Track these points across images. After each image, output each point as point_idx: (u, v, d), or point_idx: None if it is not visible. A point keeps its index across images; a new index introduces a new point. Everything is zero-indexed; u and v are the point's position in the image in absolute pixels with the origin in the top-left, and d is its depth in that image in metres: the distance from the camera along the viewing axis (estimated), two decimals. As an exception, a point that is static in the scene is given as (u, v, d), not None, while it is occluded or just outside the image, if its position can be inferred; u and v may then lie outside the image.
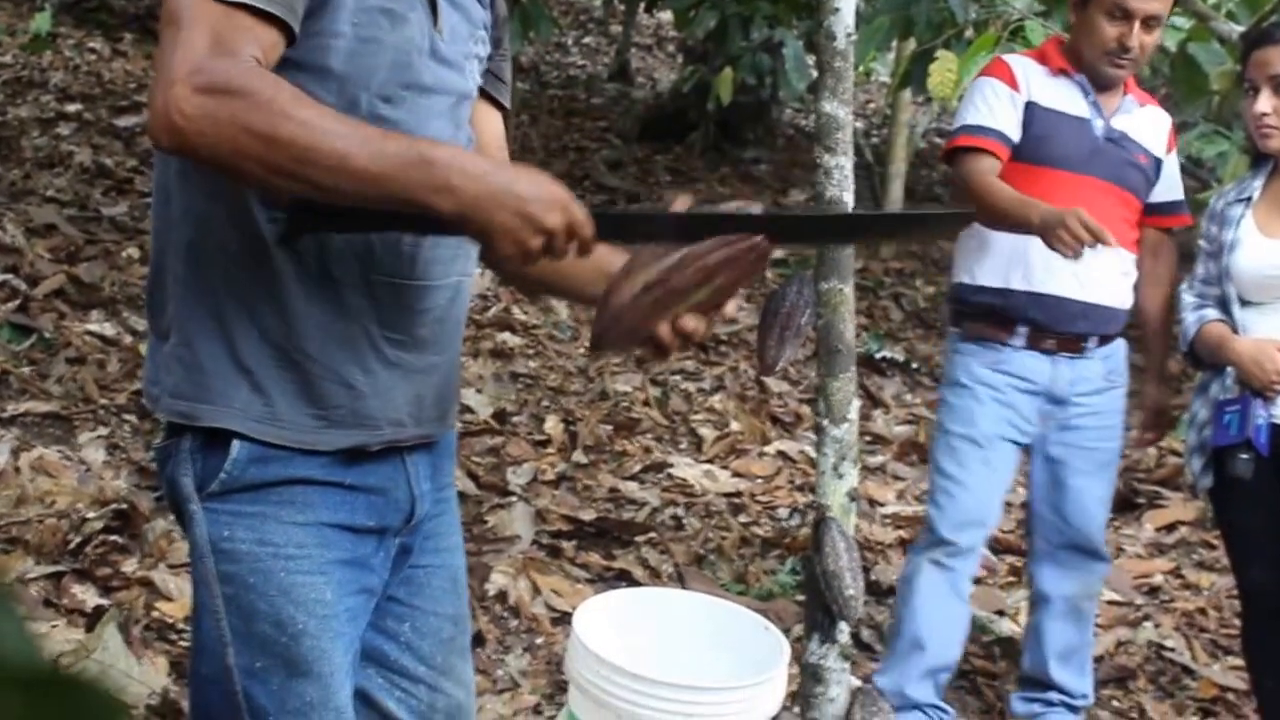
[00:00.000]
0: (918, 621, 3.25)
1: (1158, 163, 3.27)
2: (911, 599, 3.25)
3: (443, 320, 1.66)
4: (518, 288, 1.80)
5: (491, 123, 1.84)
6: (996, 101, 3.17)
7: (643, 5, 9.14)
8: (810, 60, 6.58)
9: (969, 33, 4.63)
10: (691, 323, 1.53)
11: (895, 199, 7.43)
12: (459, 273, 1.67)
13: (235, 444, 1.55)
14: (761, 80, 7.89)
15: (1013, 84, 3.18)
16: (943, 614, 3.27)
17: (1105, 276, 3.19)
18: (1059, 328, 3.18)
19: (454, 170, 1.39)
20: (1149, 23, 3.09)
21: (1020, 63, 3.25)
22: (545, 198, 1.42)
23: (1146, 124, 3.28)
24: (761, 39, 7.41)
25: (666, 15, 10.96)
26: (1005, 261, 3.17)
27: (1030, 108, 3.16)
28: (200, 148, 1.35)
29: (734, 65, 7.38)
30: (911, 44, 5.57)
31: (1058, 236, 2.86)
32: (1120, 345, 3.30)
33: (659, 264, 1.51)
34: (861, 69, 8.78)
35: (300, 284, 1.55)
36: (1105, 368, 3.27)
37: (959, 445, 3.23)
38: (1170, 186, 3.34)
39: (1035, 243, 3.08)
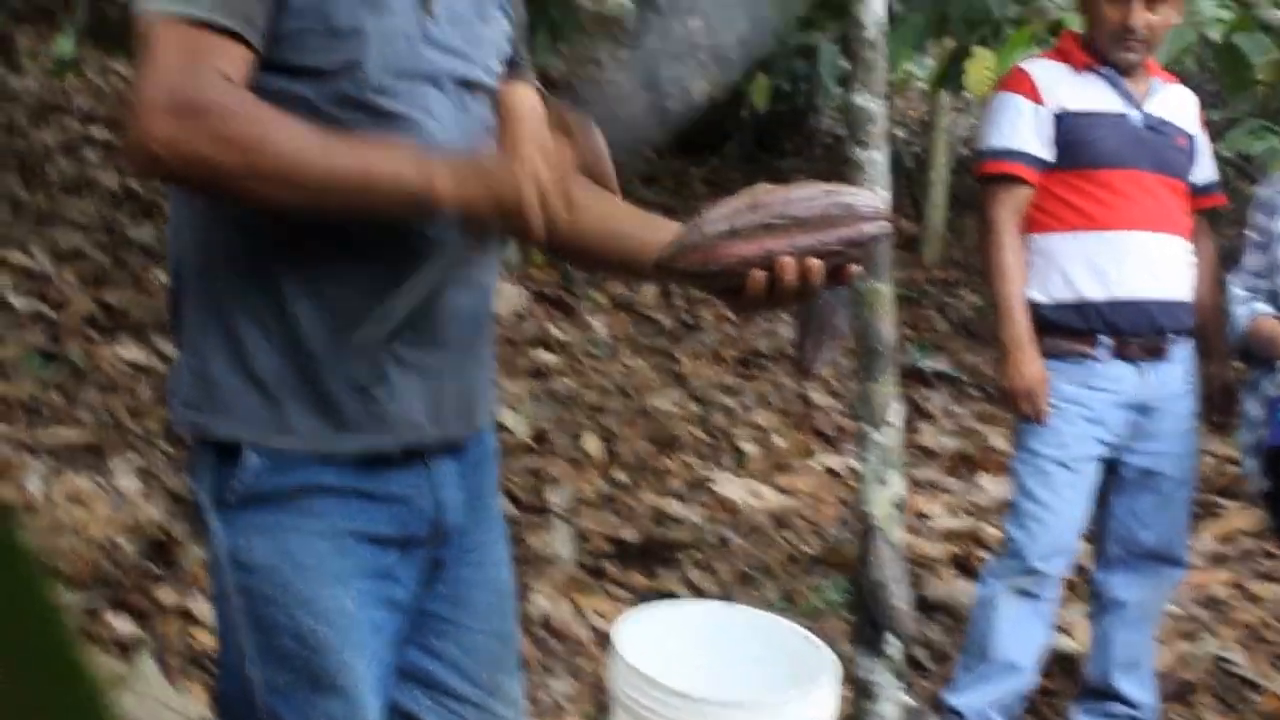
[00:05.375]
0: (1004, 647, 3.15)
1: (1193, 141, 3.19)
2: (996, 624, 3.15)
3: (462, 321, 1.58)
4: (572, 263, 1.78)
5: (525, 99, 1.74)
6: (1020, 120, 3.09)
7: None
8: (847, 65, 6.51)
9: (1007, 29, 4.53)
10: (790, 263, 1.42)
11: (938, 204, 7.32)
12: (478, 273, 1.60)
13: (248, 453, 1.50)
14: (797, 86, 7.80)
15: (1035, 96, 3.09)
16: (1030, 640, 3.18)
17: (1174, 269, 3.10)
18: (1142, 331, 3.07)
19: (435, 154, 1.41)
20: (1151, 1, 3.01)
21: (1041, 69, 3.16)
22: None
23: (1178, 104, 3.20)
24: (796, 44, 7.30)
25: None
26: (1077, 272, 3.07)
27: (1061, 118, 3.08)
28: (180, 171, 1.34)
29: (768, 71, 7.28)
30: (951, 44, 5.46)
31: (1016, 401, 3.08)
32: (1189, 344, 3.19)
33: (777, 193, 1.43)
34: (900, 74, 8.69)
35: (306, 288, 1.49)
36: (1183, 370, 3.18)
37: (1050, 469, 3.11)
38: (1205, 166, 3.25)
39: (1105, 248, 3.01)
